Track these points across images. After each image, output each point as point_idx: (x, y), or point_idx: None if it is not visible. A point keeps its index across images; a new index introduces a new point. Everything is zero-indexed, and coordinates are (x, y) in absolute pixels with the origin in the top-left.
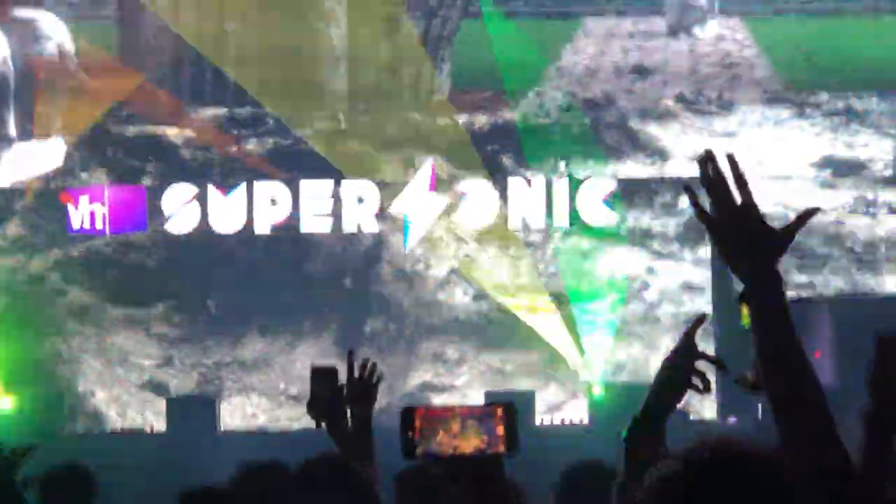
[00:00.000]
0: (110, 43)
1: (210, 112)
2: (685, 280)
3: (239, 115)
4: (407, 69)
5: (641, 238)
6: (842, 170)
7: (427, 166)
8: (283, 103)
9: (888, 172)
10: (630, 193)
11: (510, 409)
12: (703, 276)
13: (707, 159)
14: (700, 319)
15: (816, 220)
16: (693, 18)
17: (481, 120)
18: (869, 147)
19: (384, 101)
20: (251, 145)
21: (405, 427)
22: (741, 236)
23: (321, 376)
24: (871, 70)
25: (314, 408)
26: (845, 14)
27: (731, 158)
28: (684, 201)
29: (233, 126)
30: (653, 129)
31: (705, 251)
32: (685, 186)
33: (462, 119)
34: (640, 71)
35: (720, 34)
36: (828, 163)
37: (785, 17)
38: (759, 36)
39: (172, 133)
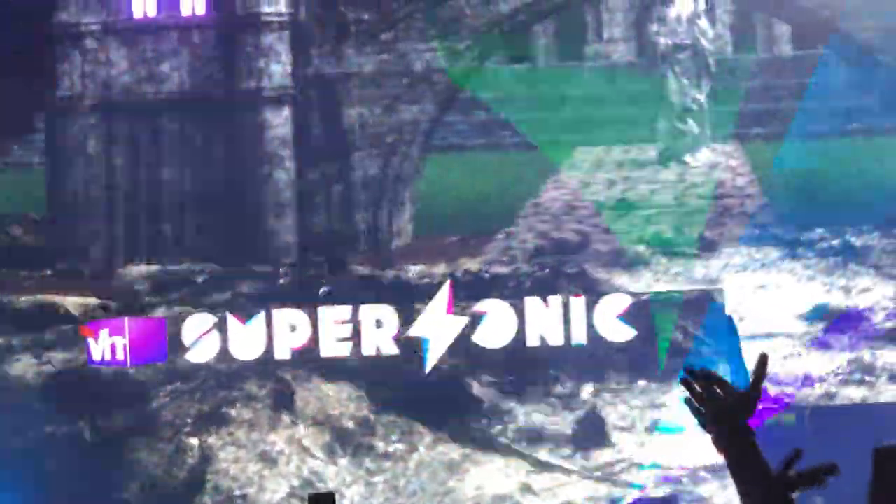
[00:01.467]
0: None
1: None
2: None
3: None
4: (361, 213)
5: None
6: (836, 323)
7: (445, 289)
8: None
9: (890, 324)
10: None
11: None
12: None
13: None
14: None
15: (804, 393)
16: (684, 145)
17: (440, 269)
18: (870, 292)
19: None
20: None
21: None
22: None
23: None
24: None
25: None
26: (851, 135)
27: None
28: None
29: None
30: (620, 280)
31: None
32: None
33: (417, 269)
34: (623, 206)
35: (714, 161)
36: (820, 312)
37: (786, 141)
38: (757, 161)
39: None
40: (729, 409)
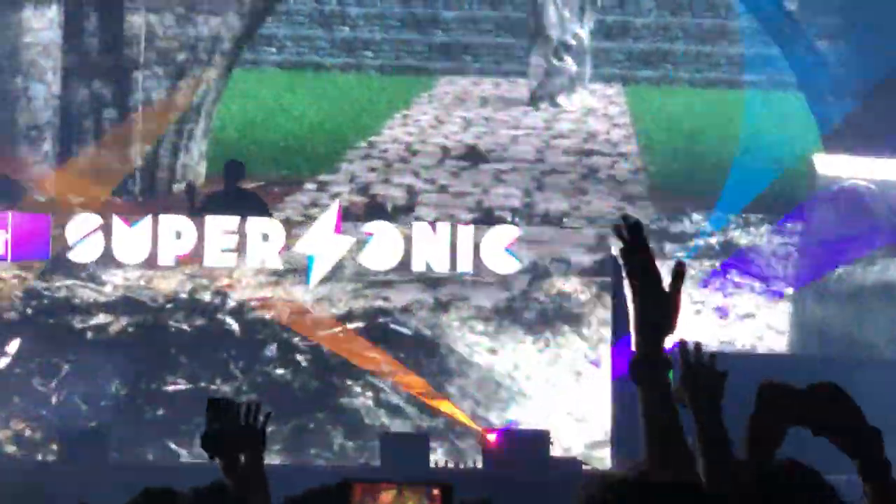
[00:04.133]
0: None
1: None
2: None
3: None
4: (137, 146)
5: None
6: None
7: (334, 208)
8: None
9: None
10: None
11: (447, 492)
12: None
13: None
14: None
15: None
16: (560, 85)
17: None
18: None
19: None
20: None
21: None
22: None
23: (217, 408)
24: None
25: (208, 443)
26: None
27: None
28: None
29: None
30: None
31: None
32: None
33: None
34: (471, 156)
35: (591, 106)
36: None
37: (675, 88)
38: (639, 110)
39: None
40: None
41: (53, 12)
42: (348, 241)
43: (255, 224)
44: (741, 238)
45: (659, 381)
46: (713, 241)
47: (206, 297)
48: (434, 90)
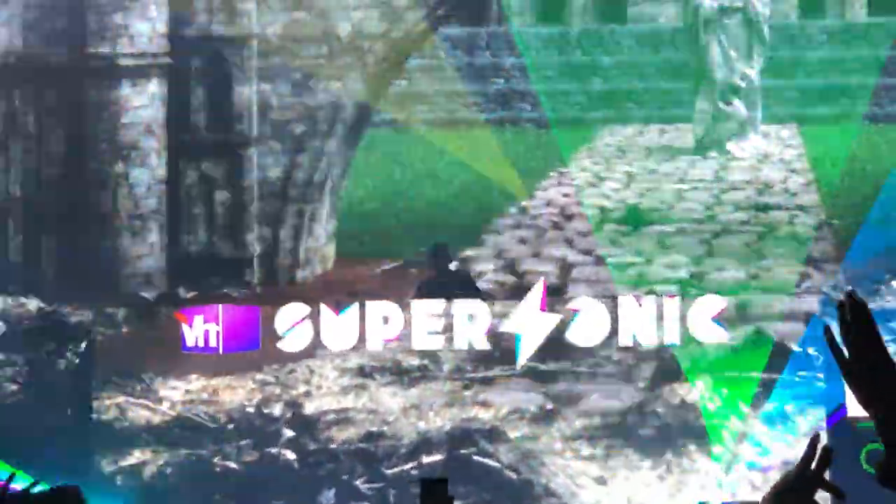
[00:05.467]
0: None
1: None
2: None
3: None
4: (258, 230)
5: None
6: None
7: (539, 286)
8: None
9: None
10: None
11: None
12: None
13: (847, 303)
14: (814, 443)
15: None
16: (727, 130)
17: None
18: None
19: None
20: None
21: None
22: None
23: None
24: None
25: None
26: None
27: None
28: None
29: None
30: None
31: None
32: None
33: None
34: (632, 218)
35: (763, 151)
36: None
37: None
38: (816, 151)
39: None
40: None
41: (154, 87)
42: (554, 319)
43: (461, 306)
44: None
45: None
46: None
47: (276, 410)
48: (594, 144)
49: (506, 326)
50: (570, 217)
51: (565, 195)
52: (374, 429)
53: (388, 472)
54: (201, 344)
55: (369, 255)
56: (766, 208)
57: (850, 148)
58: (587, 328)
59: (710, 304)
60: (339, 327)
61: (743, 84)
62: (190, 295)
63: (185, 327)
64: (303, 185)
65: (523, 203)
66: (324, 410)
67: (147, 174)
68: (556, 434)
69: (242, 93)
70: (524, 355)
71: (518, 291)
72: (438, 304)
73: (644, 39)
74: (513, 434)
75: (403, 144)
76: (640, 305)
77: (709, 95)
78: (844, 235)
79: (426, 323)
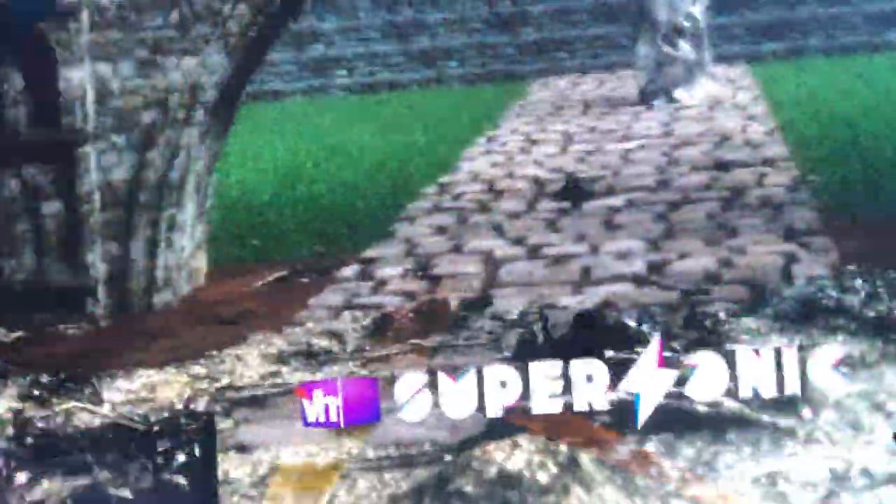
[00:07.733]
0: None
1: None
2: None
3: None
4: (102, 248)
5: None
6: None
7: (655, 342)
8: None
9: None
10: None
11: None
12: None
13: None
14: None
15: None
16: (674, 76)
17: None
18: None
19: None
20: None
21: None
22: None
23: None
24: None
25: None
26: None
27: None
28: None
29: None
30: None
31: None
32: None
33: None
34: (570, 195)
35: (715, 95)
36: None
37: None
38: (772, 91)
39: None
40: None
41: None
42: (672, 375)
43: (579, 366)
44: None
45: None
46: None
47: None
48: (526, 99)
49: (624, 386)
50: (499, 194)
51: (494, 165)
52: None
53: None
54: (322, 419)
55: (254, 260)
56: (727, 167)
57: (809, 85)
58: (706, 383)
59: (829, 352)
60: (457, 394)
61: (688, 24)
62: (13, 337)
63: (304, 403)
64: (156, 187)
65: (444, 179)
66: None
67: None
68: None
69: (72, 77)
70: (644, 415)
71: (431, 305)
72: (556, 366)
73: None
74: None
75: (296, 119)
76: (759, 357)
77: (651, 39)
78: (828, 197)
79: (545, 386)
